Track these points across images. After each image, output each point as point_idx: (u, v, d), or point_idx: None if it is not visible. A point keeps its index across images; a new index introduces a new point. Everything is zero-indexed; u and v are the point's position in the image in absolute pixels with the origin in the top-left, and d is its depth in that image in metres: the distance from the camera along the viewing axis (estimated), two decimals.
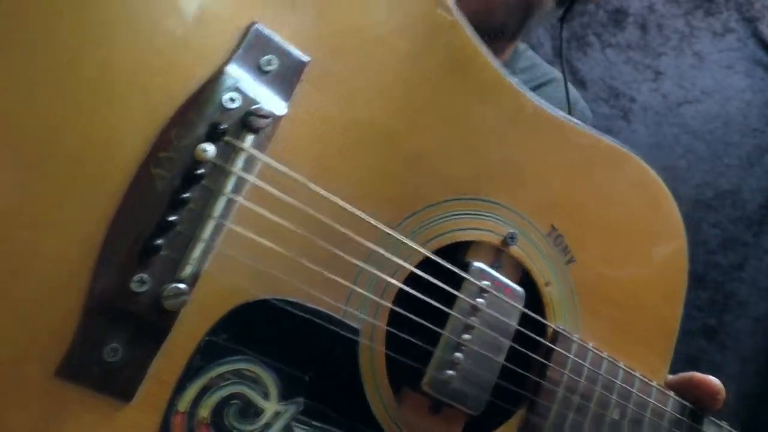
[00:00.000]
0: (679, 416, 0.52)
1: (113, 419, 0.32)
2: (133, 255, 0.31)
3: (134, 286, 0.31)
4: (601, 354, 0.47)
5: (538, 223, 0.46)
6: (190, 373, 0.34)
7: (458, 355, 0.40)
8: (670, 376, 0.57)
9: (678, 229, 0.55)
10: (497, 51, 0.79)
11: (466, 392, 0.40)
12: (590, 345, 0.47)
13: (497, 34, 0.73)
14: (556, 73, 0.94)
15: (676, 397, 0.53)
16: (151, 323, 0.32)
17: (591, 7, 1.68)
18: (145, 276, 0.32)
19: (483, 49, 0.45)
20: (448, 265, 0.40)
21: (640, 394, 0.49)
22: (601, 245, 0.49)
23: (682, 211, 1.87)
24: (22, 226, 0.30)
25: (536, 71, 0.90)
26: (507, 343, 0.43)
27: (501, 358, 0.42)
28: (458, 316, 0.41)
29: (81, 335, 0.31)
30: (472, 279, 0.41)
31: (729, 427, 0.56)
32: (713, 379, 0.56)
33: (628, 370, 0.49)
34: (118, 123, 0.31)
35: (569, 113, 0.80)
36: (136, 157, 0.32)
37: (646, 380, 0.50)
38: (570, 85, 0.92)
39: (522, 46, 0.91)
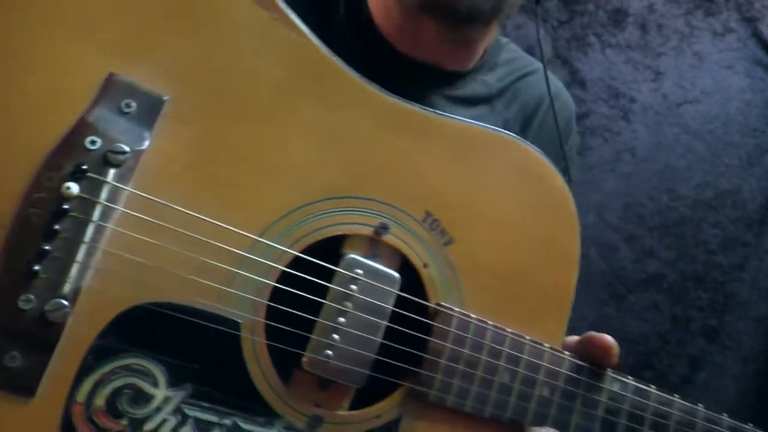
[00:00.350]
0: (575, 375, 0.55)
1: (19, 413, 0.40)
2: (18, 279, 0.39)
3: (21, 305, 0.39)
4: (485, 324, 0.52)
5: (412, 211, 0.50)
6: (84, 371, 0.41)
7: (335, 336, 0.47)
8: (569, 339, 0.60)
9: (563, 198, 0.57)
10: (474, 39, 0.79)
11: (345, 369, 0.47)
12: (473, 317, 0.51)
13: (471, 19, 0.72)
14: (537, 64, 0.94)
15: (572, 358, 0.56)
16: (41, 333, 0.40)
17: (591, 7, 1.68)
18: (30, 296, 0.39)
19: (323, 48, 0.50)
20: (315, 261, 0.46)
21: (531, 358, 0.54)
22: (481, 224, 0.53)
23: (682, 211, 1.87)
24: None
25: (519, 63, 0.90)
26: (383, 323, 0.48)
27: (378, 337, 0.48)
28: (331, 303, 0.47)
29: None
30: (340, 270, 0.47)
31: (634, 381, 0.59)
32: (606, 337, 0.59)
33: (516, 336, 0.53)
34: (1, 172, 0.40)
35: (551, 103, 0.80)
36: (16, 200, 0.39)
37: (538, 345, 0.54)
38: (551, 75, 0.92)
39: (504, 39, 0.91)
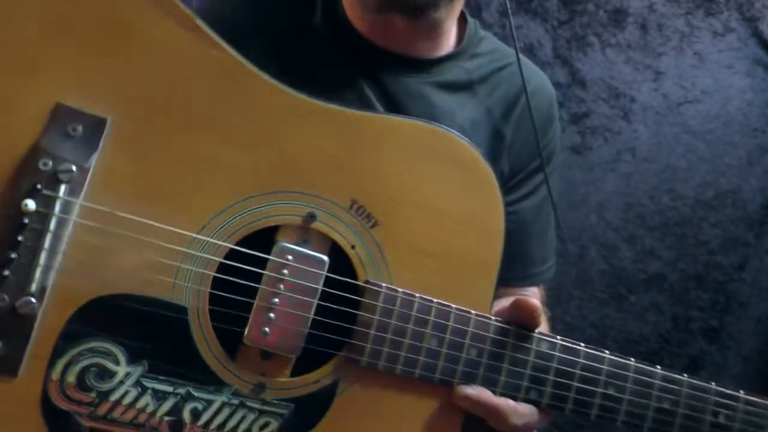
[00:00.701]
0: (501, 338, 0.61)
1: (5, 390, 0.49)
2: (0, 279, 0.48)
3: (0, 300, 0.48)
4: (412, 297, 0.58)
5: (338, 200, 0.57)
6: (56, 354, 0.50)
7: (271, 315, 0.54)
8: (500, 305, 0.66)
9: (486, 179, 0.62)
10: (439, 20, 0.82)
11: (281, 342, 0.54)
12: (400, 290, 0.57)
13: (427, 5, 0.77)
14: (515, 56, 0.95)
15: (498, 323, 0.61)
16: (16, 326, 0.49)
17: (591, 7, 1.68)
18: (4, 295, 0.48)
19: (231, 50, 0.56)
20: (248, 251, 0.54)
21: (457, 324, 0.59)
22: (406, 207, 0.59)
23: (683, 211, 1.87)
24: None
25: (499, 53, 0.91)
26: (314, 301, 0.55)
27: (310, 314, 0.55)
28: (265, 287, 0.54)
29: None
30: (271, 257, 0.54)
31: (562, 340, 0.62)
32: (529, 300, 0.63)
33: (442, 306, 0.58)
34: None
35: (527, 100, 0.83)
36: None
37: (464, 312, 0.59)
38: (532, 64, 0.95)
39: (483, 32, 0.93)
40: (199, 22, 0.55)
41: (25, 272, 0.49)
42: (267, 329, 0.55)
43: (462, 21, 0.89)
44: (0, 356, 0.49)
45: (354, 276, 0.58)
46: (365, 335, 0.57)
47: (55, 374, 0.51)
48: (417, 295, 0.58)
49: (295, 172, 0.56)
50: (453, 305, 0.59)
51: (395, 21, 0.79)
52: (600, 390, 0.63)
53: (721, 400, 0.69)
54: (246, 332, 0.55)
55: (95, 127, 0.51)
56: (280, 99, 0.56)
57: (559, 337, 0.63)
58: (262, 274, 0.55)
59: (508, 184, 0.91)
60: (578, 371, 0.62)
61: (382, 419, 0.58)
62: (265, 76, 0.57)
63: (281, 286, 0.55)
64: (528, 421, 0.65)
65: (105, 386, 0.52)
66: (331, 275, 0.57)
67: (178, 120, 0.53)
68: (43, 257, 0.49)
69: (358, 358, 0.57)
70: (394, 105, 0.81)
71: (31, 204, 0.49)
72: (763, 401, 0.69)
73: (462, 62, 0.87)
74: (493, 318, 0.61)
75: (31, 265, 0.49)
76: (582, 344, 0.63)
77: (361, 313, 0.57)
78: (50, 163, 0.50)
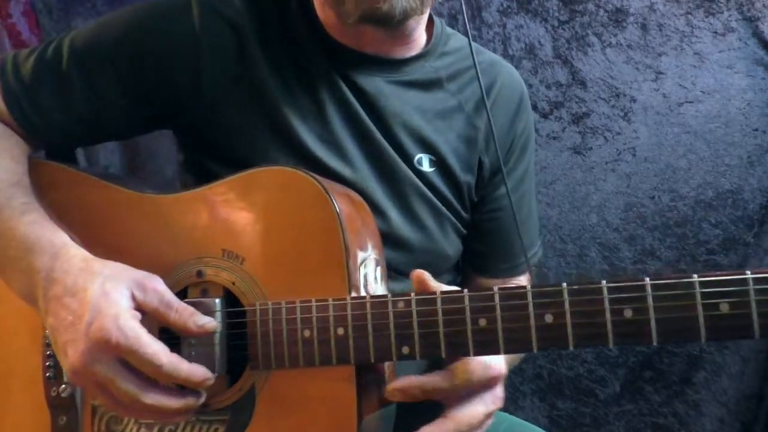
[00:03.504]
0: (359, 311, 0.68)
1: None
2: (46, 381, 0.80)
3: (52, 392, 0.79)
4: (279, 305, 0.70)
5: (213, 253, 0.74)
6: (93, 410, 0.79)
7: (192, 352, 0.71)
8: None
9: (312, 190, 0.72)
10: (413, 28, 0.86)
11: (204, 363, 0.69)
12: (270, 303, 0.71)
13: (406, 18, 0.80)
14: (488, 53, 0.99)
15: (355, 300, 0.68)
16: (65, 401, 0.78)
17: (591, 6, 1.68)
18: (53, 389, 0.79)
19: None
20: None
21: (319, 314, 0.69)
22: (259, 236, 0.73)
23: (683, 211, 1.86)
24: None
25: (466, 51, 0.93)
26: (217, 331, 0.71)
27: (216, 341, 0.71)
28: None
29: None
30: None
31: (417, 296, 0.67)
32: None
33: (304, 302, 0.69)
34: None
35: (483, 99, 0.87)
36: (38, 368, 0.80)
37: (323, 301, 0.69)
38: (496, 57, 0.99)
39: (450, 30, 0.96)
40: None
41: (58, 370, 0.77)
42: (192, 362, 0.69)
43: (429, 21, 0.92)
44: (65, 425, 0.77)
45: (240, 305, 0.73)
46: (255, 345, 0.71)
47: (96, 428, 0.77)
48: (283, 301, 0.70)
49: (178, 247, 0.75)
50: (313, 299, 0.69)
51: (369, 30, 0.83)
52: (469, 327, 0.64)
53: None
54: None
55: None
56: (139, 203, 0.78)
57: (413, 293, 0.67)
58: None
59: (495, 179, 0.94)
60: (441, 317, 0.65)
61: (295, 403, 0.70)
62: (125, 190, 0.80)
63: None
64: (479, 380, 0.69)
65: (119, 428, 0.75)
66: (228, 309, 0.73)
67: (103, 248, 0.73)
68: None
69: (256, 363, 0.71)
70: (369, 103, 0.85)
71: (48, 331, 0.72)
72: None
73: (431, 61, 0.90)
74: (349, 298, 0.69)
75: (59, 364, 0.73)
76: (438, 291, 0.67)
77: (247, 330, 0.71)
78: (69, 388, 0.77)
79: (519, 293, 0.62)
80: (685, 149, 1.66)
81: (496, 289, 0.64)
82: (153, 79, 0.81)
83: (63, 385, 0.76)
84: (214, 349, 0.71)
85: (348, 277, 0.70)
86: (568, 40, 1.68)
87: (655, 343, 0.58)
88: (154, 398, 0.66)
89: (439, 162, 0.88)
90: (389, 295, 0.68)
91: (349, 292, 0.70)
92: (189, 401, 0.68)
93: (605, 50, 1.68)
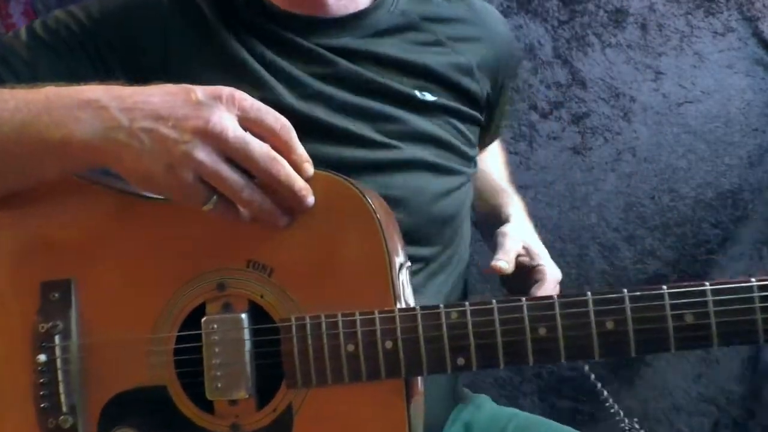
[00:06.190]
0: (410, 324, 0.65)
1: None
2: (42, 416, 0.70)
3: (49, 424, 0.70)
4: (318, 319, 0.66)
5: (237, 265, 0.69)
6: None
7: (218, 373, 0.67)
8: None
9: (347, 193, 0.68)
10: None
11: (232, 390, 0.67)
12: (308, 317, 0.66)
13: None
14: None
15: (403, 313, 0.65)
16: None
17: (591, 7, 1.68)
18: (50, 419, 0.69)
19: None
20: (185, 333, 0.69)
21: (364, 327, 0.65)
22: (287, 246, 0.68)
23: (683, 211, 1.86)
24: None
25: None
26: (244, 350, 0.67)
27: (246, 359, 0.67)
28: (207, 353, 0.68)
29: None
30: (202, 331, 0.68)
31: (472, 305, 0.65)
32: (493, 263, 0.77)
33: (347, 315, 0.65)
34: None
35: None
36: (26, 379, 0.71)
37: (367, 314, 0.65)
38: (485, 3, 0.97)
39: None
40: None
41: (56, 400, 0.70)
42: (218, 384, 0.67)
43: None
44: None
45: (270, 321, 0.68)
46: (291, 362, 0.66)
47: None
48: (322, 315, 0.66)
49: (196, 258, 0.70)
50: (357, 312, 0.65)
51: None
52: (529, 336, 0.62)
53: (678, 301, 0.62)
54: (206, 391, 0.67)
55: (65, 288, 0.71)
56: (153, 210, 0.72)
57: (467, 303, 0.65)
58: (200, 345, 0.68)
59: (499, 97, 0.94)
60: (498, 327, 0.63)
61: (338, 422, 0.66)
62: (142, 201, 0.73)
63: (216, 350, 0.68)
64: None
65: None
66: (255, 327, 0.68)
67: (113, 265, 0.72)
68: (62, 387, 0.70)
69: (294, 381, 0.66)
70: (339, 67, 0.81)
71: (41, 357, 0.69)
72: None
73: (394, 6, 0.86)
74: (397, 309, 0.65)
75: (57, 393, 0.70)
76: (495, 301, 0.64)
77: (282, 347, 0.67)
78: (45, 325, 0.70)
79: (579, 301, 0.62)
80: (685, 149, 1.66)
81: (555, 297, 0.63)
82: (122, 51, 0.79)
83: (62, 416, 0.70)
84: (245, 368, 0.67)
85: (392, 286, 0.66)
86: (568, 40, 1.68)
87: (715, 347, 0.61)
88: (256, 192, 0.63)
89: (438, 89, 0.85)
90: (441, 306, 0.65)
91: (395, 303, 0.66)
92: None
93: (605, 50, 1.68)
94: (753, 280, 0.58)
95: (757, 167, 1.64)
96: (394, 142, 0.80)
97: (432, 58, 0.85)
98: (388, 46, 0.84)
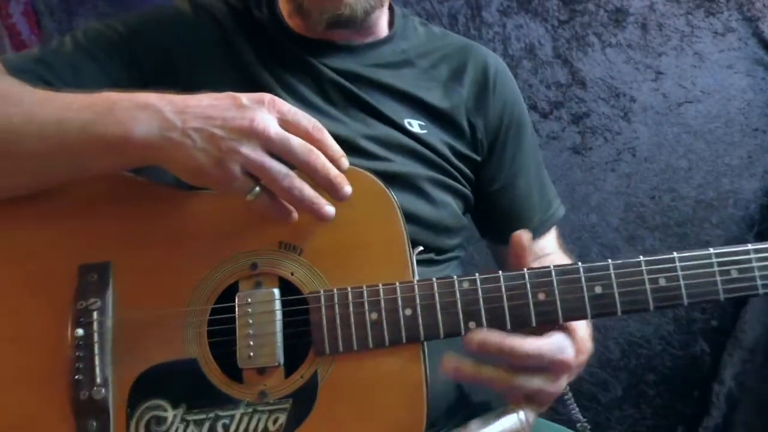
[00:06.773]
0: (427, 292, 0.73)
1: None
2: (76, 386, 0.73)
3: (82, 396, 0.72)
4: (345, 290, 0.73)
5: (269, 246, 0.75)
6: (128, 417, 0.73)
7: (250, 342, 0.73)
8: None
9: (370, 182, 0.76)
10: (377, 18, 0.93)
11: (263, 359, 0.73)
12: (335, 289, 0.73)
13: (369, 14, 0.88)
14: (452, 36, 1.04)
15: (421, 282, 0.73)
16: (98, 407, 0.72)
17: (591, 6, 1.68)
18: (84, 391, 0.72)
19: None
20: (221, 306, 0.74)
21: (386, 296, 0.73)
22: (316, 228, 0.75)
23: (683, 211, 1.86)
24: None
25: (430, 33, 1.00)
26: (276, 321, 0.73)
27: (276, 331, 0.73)
28: (240, 325, 0.73)
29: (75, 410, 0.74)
30: (236, 304, 0.74)
31: (481, 276, 0.73)
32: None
33: (371, 287, 0.73)
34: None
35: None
36: (66, 350, 0.74)
37: (390, 284, 0.73)
38: (454, 35, 1.04)
39: (406, 9, 1.02)
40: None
41: (90, 373, 0.73)
42: (251, 353, 0.72)
43: (389, 9, 0.99)
44: (96, 430, 0.72)
45: (300, 294, 0.75)
46: (320, 330, 0.72)
47: (132, 430, 0.73)
48: (349, 287, 0.73)
49: (230, 240, 0.76)
50: (380, 284, 0.73)
51: (337, 30, 0.90)
52: (531, 300, 0.71)
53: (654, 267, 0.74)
54: (238, 360, 0.73)
55: (104, 270, 0.75)
56: (187, 200, 0.78)
57: (477, 274, 0.73)
58: (235, 317, 0.74)
59: (496, 143, 0.97)
60: (504, 293, 0.72)
61: (360, 387, 0.72)
62: (180, 191, 0.78)
63: (250, 321, 0.73)
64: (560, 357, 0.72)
65: (162, 429, 0.73)
66: (285, 298, 0.74)
67: (149, 250, 0.76)
68: (97, 360, 0.73)
69: (323, 348, 0.72)
70: (342, 86, 0.90)
71: (79, 331, 0.73)
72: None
73: (396, 45, 0.96)
74: (415, 281, 0.73)
75: (92, 366, 0.73)
76: (501, 271, 0.73)
77: (310, 316, 0.73)
78: (84, 303, 0.74)
79: (572, 269, 0.72)
80: (685, 149, 1.66)
81: (552, 267, 0.72)
82: (151, 64, 0.89)
83: (96, 387, 0.72)
84: (276, 337, 0.73)
85: (411, 264, 0.74)
86: (568, 40, 1.68)
87: (686, 304, 0.72)
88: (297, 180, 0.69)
89: (428, 122, 0.92)
90: (455, 277, 0.73)
91: (414, 277, 0.74)
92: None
93: (605, 50, 1.67)
94: (711, 249, 0.72)
95: (758, 167, 1.64)
96: (384, 154, 0.89)
97: (426, 93, 0.93)
98: (385, 76, 0.93)
